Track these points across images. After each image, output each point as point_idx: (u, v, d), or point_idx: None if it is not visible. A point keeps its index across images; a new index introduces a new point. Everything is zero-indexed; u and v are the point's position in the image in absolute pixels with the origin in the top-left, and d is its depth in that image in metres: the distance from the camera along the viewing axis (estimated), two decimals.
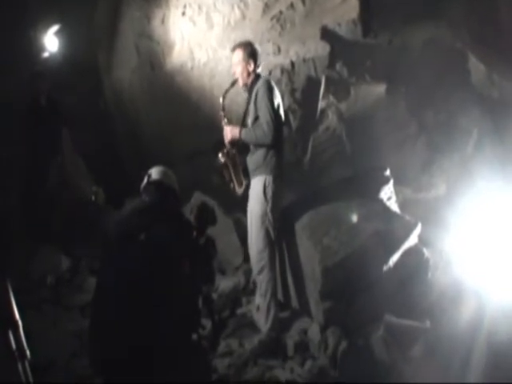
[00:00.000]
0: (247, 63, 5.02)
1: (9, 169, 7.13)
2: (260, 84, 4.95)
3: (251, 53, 5.05)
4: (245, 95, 5.24)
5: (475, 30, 6.85)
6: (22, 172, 7.21)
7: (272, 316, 4.85)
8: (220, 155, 5.08)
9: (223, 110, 5.13)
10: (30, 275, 6.23)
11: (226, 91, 5.16)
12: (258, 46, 5.17)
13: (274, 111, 4.84)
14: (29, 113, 7.14)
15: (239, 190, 5.13)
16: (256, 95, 4.92)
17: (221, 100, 5.14)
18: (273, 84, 5.02)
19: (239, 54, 5.05)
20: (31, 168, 7.12)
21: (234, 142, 5.07)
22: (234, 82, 5.15)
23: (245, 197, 5.12)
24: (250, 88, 5.07)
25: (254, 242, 4.97)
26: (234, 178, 5.12)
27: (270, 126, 4.79)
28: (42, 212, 7.11)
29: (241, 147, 5.09)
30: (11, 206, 7.00)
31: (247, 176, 5.10)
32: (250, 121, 5.02)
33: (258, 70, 5.11)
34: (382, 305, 4.67)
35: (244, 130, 4.97)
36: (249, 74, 5.05)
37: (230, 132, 5.04)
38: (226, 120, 5.12)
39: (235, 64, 5.09)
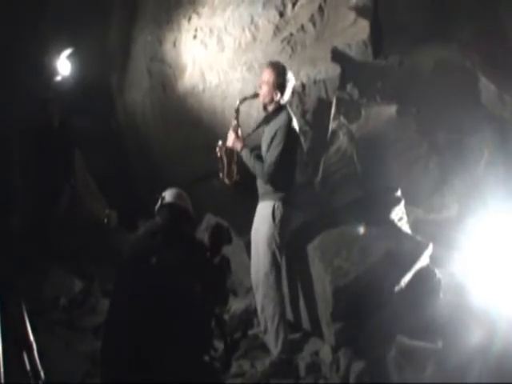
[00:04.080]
0: (273, 91, 4.87)
1: (21, 191, 7.20)
2: (283, 120, 4.86)
3: (281, 84, 4.87)
4: (261, 112, 5.21)
5: (485, 50, 6.87)
6: (34, 194, 7.26)
7: (282, 339, 4.80)
8: (220, 143, 5.05)
9: (236, 112, 5.05)
10: (43, 297, 6.26)
11: (246, 98, 5.14)
12: (291, 77, 4.97)
13: (284, 156, 4.79)
14: (41, 136, 7.22)
15: (227, 181, 5.09)
16: (276, 132, 4.83)
17: (237, 102, 5.08)
18: (295, 124, 4.95)
19: (270, 77, 4.87)
20: (44, 191, 7.17)
21: (232, 149, 5.03)
22: (255, 95, 5.07)
23: None
24: (269, 114, 5.00)
25: (260, 265, 4.91)
26: (225, 169, 5.06)
27: (270, 168, 4.77)
28: (53, 234, 7.15)
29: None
30: (23, 228, 7.04)
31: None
32: (264, 148, 4.96)
33: (283, 101, 4.97)
34: (393, 325, 4.65)
35: (245, 151, 4.91)
36: (272, 100, 4.93)
37: (232, 141, 4.98)
38: (235, 123, 5.03)
39: (262, 81, 4.96)
